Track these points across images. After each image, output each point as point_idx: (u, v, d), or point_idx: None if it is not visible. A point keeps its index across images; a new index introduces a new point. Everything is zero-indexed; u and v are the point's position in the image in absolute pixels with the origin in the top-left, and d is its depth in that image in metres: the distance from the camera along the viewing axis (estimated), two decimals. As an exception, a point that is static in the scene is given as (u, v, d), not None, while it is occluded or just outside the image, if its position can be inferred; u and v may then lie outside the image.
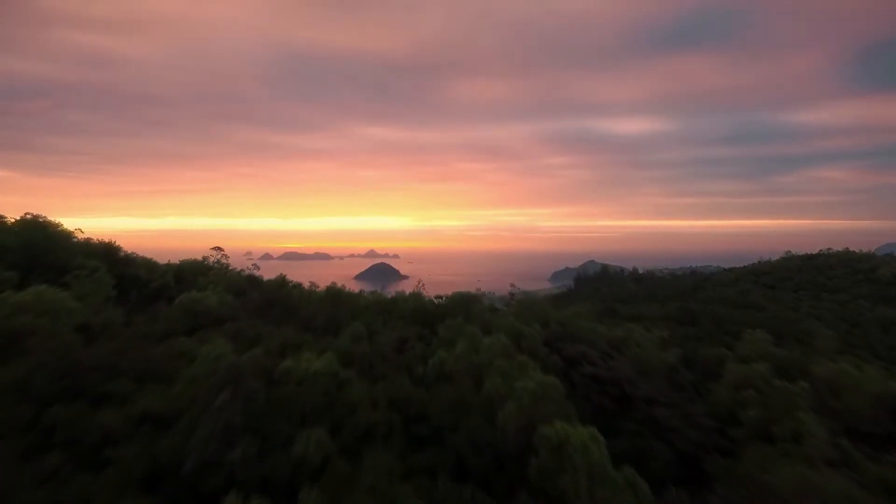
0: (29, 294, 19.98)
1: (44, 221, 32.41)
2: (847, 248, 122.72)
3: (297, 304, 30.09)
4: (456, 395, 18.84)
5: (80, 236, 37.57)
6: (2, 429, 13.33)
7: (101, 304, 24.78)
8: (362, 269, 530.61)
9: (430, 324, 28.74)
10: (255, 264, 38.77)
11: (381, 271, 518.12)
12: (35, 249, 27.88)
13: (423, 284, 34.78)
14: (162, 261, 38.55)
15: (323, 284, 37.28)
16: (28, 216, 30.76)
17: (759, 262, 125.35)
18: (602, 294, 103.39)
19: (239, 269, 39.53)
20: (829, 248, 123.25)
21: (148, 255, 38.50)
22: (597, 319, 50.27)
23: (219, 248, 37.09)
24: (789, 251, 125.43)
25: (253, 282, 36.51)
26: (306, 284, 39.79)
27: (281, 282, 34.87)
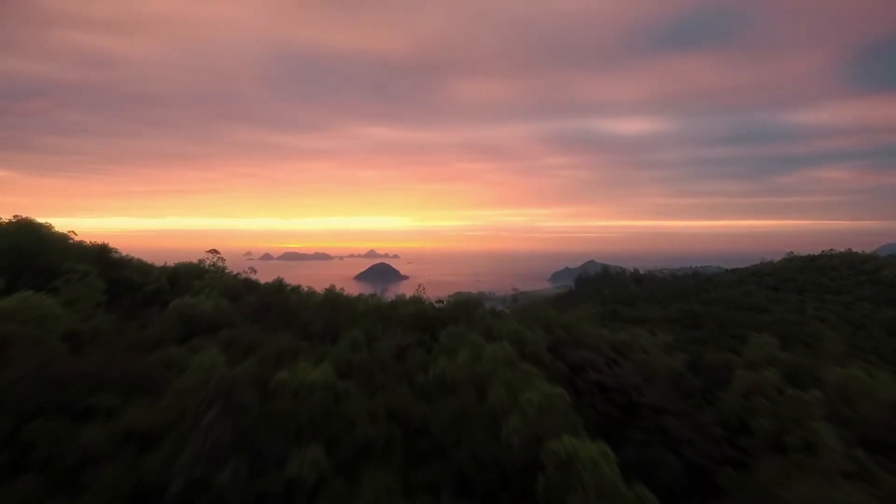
0: (13, 300, 19.17)
1: (34, 223, 31.62)
2: (850, 249, 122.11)
3: (295, 309, 29.31)
4: (458, 406, 18.07)
5: (74, 238, 36.81)
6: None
7: (90, 309, 23.98)
8: (362, 270, 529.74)
9: (430, 329, 27.97)
10: (251, 268, 37.94)
11: (381, 271, 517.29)
12: (24, 252, 27.06)
13: (424, 288, 33.99)
14: (162, 261, 37.77)
15: (323, 285, 36.65)
16: (17, 218, 29.94)
17: (762, 262, 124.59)
18: (603, 295, 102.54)
19: (236, 271, 38.75)
20: (831, 249, 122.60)
21: (148, 256, 37.76)
22: (599, 322, 49.55)
23: (214, 251, 36.29)
24: (791, 252, 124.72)
25: (249, 285, 35.70)
26: (306, 285, 39.13)
27: (278, 285, 34.09)
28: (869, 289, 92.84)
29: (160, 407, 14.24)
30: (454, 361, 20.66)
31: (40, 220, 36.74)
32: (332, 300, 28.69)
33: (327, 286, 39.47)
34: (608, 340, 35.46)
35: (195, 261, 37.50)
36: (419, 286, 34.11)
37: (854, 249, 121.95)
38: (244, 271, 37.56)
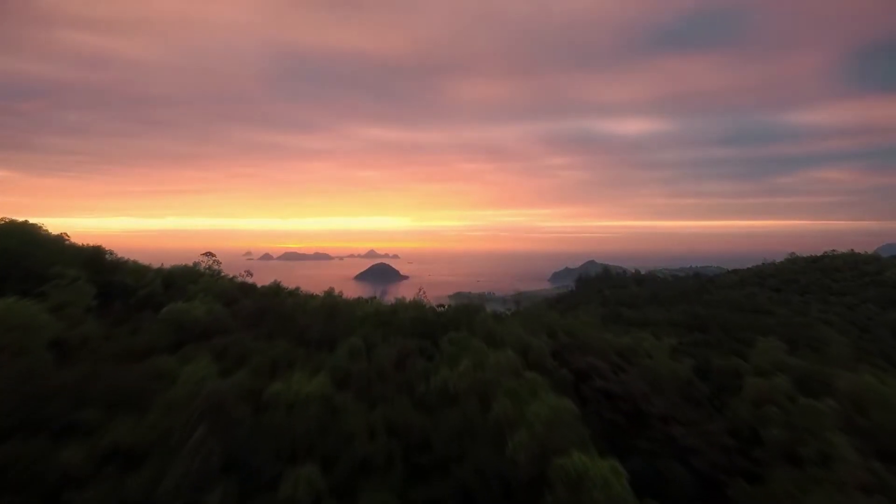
0: (-4, 307, 18.33)
1: (25, 225, 30.77)
2: (852, 250, 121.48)
3: (292, 313, 28.47)
4: (461, 419, 17.27)
5: (68, 240, 35.95)
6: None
7: (80, 315, 23.11)
8: (362, 270, 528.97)
9: (431, 335, 27.16)
10: (247, 270, 37.09)
11: (381, 272, 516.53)
12: (11, 256, 26.14)
13: (424, 292, 33.18)
14: (163, 262, 36.93)
15: (323, 285, 35.91)
16: (5, 220, 29.02)
17: (764, 263, 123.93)
18: (604, 296, 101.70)
19: (235, 273, 37.94)
20: (833, 250, 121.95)
21: (148, 256, 36.93)
22: (602, 325, 48.80)
23: (210, 254, 35.43)
24: (793, 253, 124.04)
25: (245, 289, 34.84)
26: (306, 286, 38.33)
27: (275, 289, 33.22)
28: (873, 290, 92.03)
29: (146, 423, 13.43)
30: (456, 370, 19.87)
31: (37, 220, 36.04)
32: (330, 307, 27.84)
33: (327, 287, 38.73)
34: (613, 345, 34.73)
35: (194, 261, 36.69)
36: (420, 289, 33.31)
37: (855, 250, 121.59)
38: (240, 274, 36.69)
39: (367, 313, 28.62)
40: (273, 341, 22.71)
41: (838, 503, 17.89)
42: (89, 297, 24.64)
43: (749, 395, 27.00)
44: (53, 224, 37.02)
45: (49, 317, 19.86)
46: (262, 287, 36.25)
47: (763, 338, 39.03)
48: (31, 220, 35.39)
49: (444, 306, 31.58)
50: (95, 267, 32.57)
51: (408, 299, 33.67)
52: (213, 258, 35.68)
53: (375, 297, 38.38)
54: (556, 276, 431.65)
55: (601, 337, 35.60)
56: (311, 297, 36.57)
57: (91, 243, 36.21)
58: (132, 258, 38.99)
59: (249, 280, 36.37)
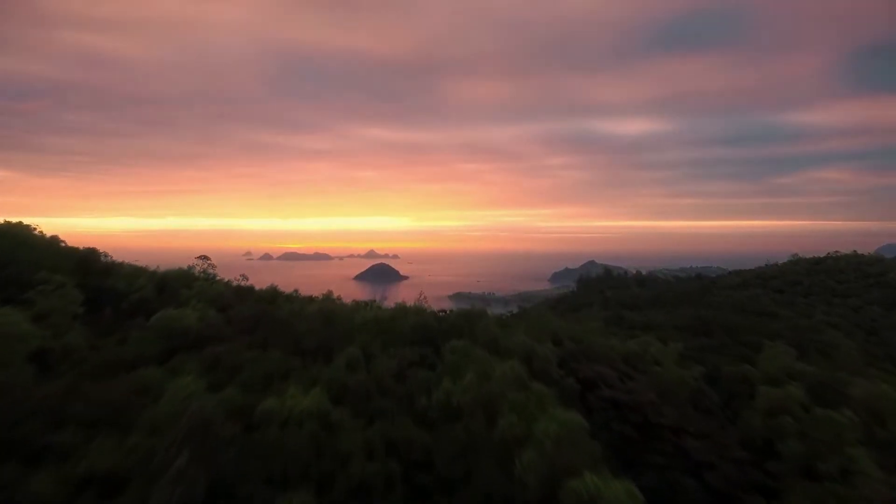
0: (-26, 317, 17.38)
1: (13, 226, 29.78)
2: (855, 251, 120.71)
3: (288, 320, 27.49)
4: (465, 435, 16.32)
5: (63, 242, 35.01)
6: None
7: (66, 323, 22.12)
8: (362, 270, 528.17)
9: (433, 342, 26.21)
10: (243, 274, 36.09)
11: (381, 272, 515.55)
12: (-1, 260, 25.18)
13: (426, 297, 32.22)
14: (162, 262, 36.03)
15: (323, 285, 34.91)
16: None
17: (766, 265, 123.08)
18: (605, 298, 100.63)
19: (232, 275, 37.01)
20: (836, 251, 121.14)
21: (148, 256, 36.03)
22: (606, 329, 47.86)
23: (205, 257, 34.43)
24: (796, 254, 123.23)
25: (242, 293, 33.84)
26: (306, 285, 37.31)
27: (272, 294, 32.23)
28: (877, 292, 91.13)
29: (127, 445, 12.45)
30: (459, 383, 18.90)
31: (37, 220, 35.17)
32: (328, 314, 26.84)
33: (326, 288, 37.89)
34: (619, 351, 33.79)
35: (191, 262, 35.78)
36: (420, 294, 32.34)
37: (857, 250, 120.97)
38: (236, 278, 35.70)
39: (365, 319, 27.65)
40: (267, 351, 21.72)
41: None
42: (76, 304, 23.65)
43: (762, 405, 26.06)
44: (53, 224, 36.17)
45: (32, 326, 18.90)
46: (259, 291, 35.23)
47: (770, 342, 38.18)
48: (27, 221, 34.56)
49: (445, 311, 30.61)
50: (86, 270, 31.56)
51: (408, 302, 32.75)
52: (209, 262, 34.67)
53: (375, 301, 37.40)
54: (556, 277, 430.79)
55: (607, 343, 34.64)
56: (310, 300, 35.64)
57: (90, 244, 35.39)
58: (132, 258, 38.21)
59: (246, 283, 35.36)
